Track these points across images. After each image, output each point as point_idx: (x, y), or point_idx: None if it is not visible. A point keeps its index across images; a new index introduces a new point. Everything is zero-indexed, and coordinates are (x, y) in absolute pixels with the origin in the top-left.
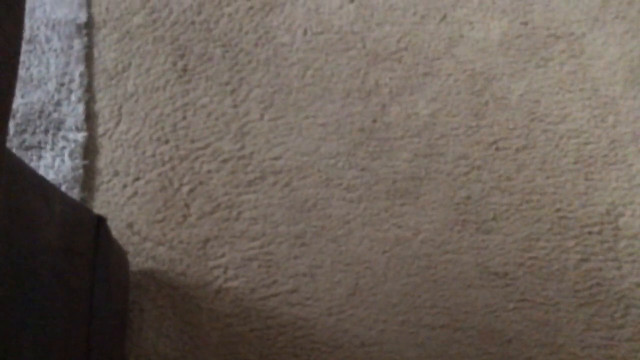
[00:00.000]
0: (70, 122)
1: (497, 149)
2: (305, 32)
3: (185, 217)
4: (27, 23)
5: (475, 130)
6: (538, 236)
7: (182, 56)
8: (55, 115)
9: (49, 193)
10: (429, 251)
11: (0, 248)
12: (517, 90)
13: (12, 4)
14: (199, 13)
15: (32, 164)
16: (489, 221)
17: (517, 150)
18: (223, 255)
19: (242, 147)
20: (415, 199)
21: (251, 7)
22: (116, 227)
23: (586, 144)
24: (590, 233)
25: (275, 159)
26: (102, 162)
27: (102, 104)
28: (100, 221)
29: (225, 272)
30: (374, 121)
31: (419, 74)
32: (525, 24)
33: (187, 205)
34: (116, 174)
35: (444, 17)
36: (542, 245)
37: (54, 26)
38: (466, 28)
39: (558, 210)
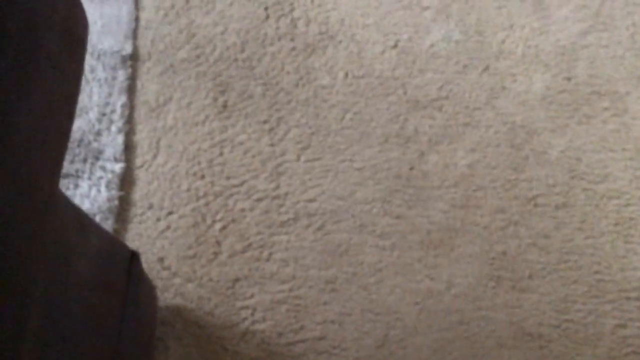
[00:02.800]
0: (109, 152)
1: (535, 205)
2: (346, 75)
3: (216, 254)
4: None
5: (514, 184)
6: (574, 298)
7: (222, 92)
8: (94, 144)
9: (86, 225)
10: (462, 306)
11: (36, 282)
12: (558, 146)
13: (74, 44)
14: (242, 51)
15: (69, 192)
16: (524, 279)
17: (556, 207)
18: (252, 296)
19: (277, 187)
20: (450, 251)
21: (294, 48)
22: (147, 261)
23: (627, 205)
24: (628, 298)
25: (310, 201)
26: (137, 194)
27: (142, 136)
28: (134, 256)
29: (252, 314)
30: (412, 168)
31: (458, 123)
32: (569, 79)
33: (218, 243)
34: (150, 206)
35: (487, 67)
36: (579, 307)
37: (99, 56)
38: (508, 80)
39: (596, 272)
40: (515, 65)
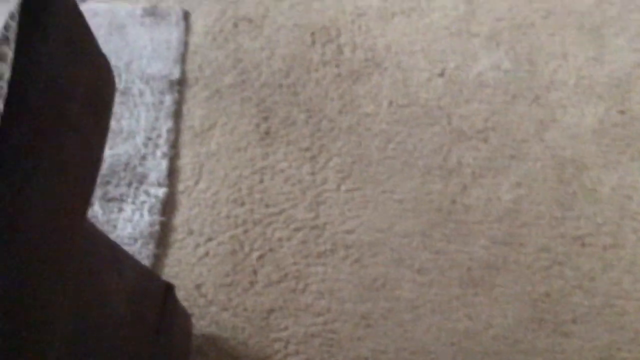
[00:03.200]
0: (153, 177)
1: (582, 244)
2: (390, 104)
3: (252, 283)
4: (123, 76)
5: (560, 221)
6: (619, 345)
7: (266, 119)
8: (139, 169)
9: (121, 262)
10: (501, 348)
11: (70, 322)
12: (609, 183)
13: (99, 108)
14: (287, 76)
15: (112, 216)
16: (567, 323)
17: (604, 248)
18: (286, 328)
19: (316, 217)
20: (490, 290)
21: (339, 75)
22: (185, 287)
23: None
24: None
25: (348, 232)
26: (178, 219)
27: (185, 161)
28: (168, 289)
29: (286, 347)
30: (453, 202)
31: (504, 156)
32: (623, 112)
33: (255, 272)
34: (190, 232)
35: (537, 98)
36: (624, 355)
37: (148, 81)
38: (559, 112)
39: None
40: (567, 97)
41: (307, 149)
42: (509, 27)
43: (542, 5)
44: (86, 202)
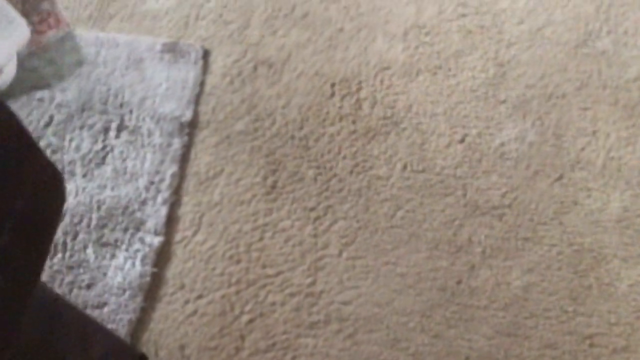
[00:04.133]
0: (150, 224)
1: (591, 344)
2: (404, 167)
3: (237, 350)
4: (135, 113)
5: (571, 316)
6: None
7: (274, 172)
8: (138, 214)
9: (89, 338)
10: None
11: None
12: (627, 279)
13: (38, 240)
14: (301, 128)
15: (104, 262)
16: None
17: (614, 350)
18: None
19: (313, 283)
20: None
21: (354, 131)
22: (168, 347)
23: None
24: None
25: (345, 303)
26: (171, 271)
27: (186, 209)
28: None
29: None
30: (459, 282)
31: (519, 237)
32: None
33: (242, 337)
34: (182, 286)
35: (560, 177)
36: None
37: (158, 120)
38: (582, 194)
39: None
40: (593, 179)
41: (312, 209)
42: (538, 95)
43: (576, 76)
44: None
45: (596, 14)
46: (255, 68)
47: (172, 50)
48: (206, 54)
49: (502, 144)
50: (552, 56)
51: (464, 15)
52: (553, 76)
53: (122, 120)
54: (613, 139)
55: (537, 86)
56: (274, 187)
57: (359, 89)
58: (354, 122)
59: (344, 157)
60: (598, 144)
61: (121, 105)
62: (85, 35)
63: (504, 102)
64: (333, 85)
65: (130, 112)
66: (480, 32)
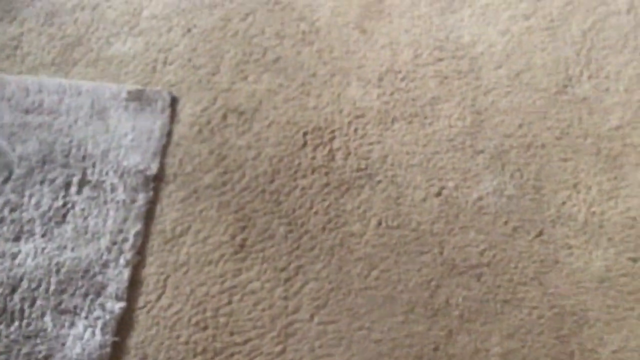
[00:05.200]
0: (112, 288)
1: None
2: (379, 223)
3: None
4: (98, 166)
5: None
6: None
7: (243, 228)
8: (99, 277)
9: None
10: None
11: None
12: (611, 344)
13: None
14: (272, 181)
15: (62, 331)
16: None
17: None
18: None
19: (283, 351)
20: None
21: (327, 184)
22: None
23: None
24: None
25: None
26: (133, 340)
27: (150, 271)
28: None
29: None
30: (436, 349)
31: (498, 299)
32: (634, 260)
33: None
34: (144, 357)
35: (540, 233)
36: None
37: (122, 174)
38: (563, 252)
39: None
40: (574, 235)
41: (282, 269)
42: (517, 145)
43: (556, 124)
44: None
45: (576, 57)
46: (225, 116)
47: (139, 98)
48: (174, 102)
49: (480, 198)
50: (531, 103)
51: (440, 60)
52: (532, 125)
53: (84, 174)
54: (595, 192)
55: (515, 135)
56: (243, 245)
57: (332, 139)
58: (326, 174)
59: (316, 213)
60: (579, 197)
61: (84, 158)
62: (47, 82)
63: (481, 152)
64: (305, 134)
65: (93, 165)
66: (457, 77)
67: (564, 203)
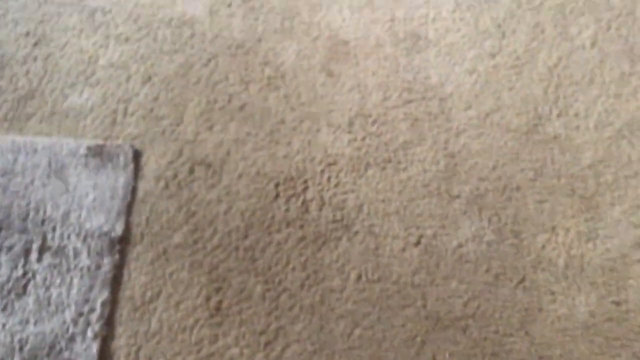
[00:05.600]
0: None
1: None
2: (359, 277)
3: None
4: (58, 230)
5: None
6: None
7: (218, 290)
8: (66, 354)
9: None
10: None
11: None
12: None
13: None
14: (245, 237)
15: None
16: None
17: None
18: None
19: None
20: None
21: (303, 238)
22: None
23: None
24: None
25: None
26: None
27: (120, 343)
28: None
29: None
30: None
31: (485, 352)
32: (618, 304)
33: None
34: None
35: (522, 280)
36: None
37: (85, 238)
38: (546, 299)
39: None
40: (556, 281)
41: (262, 332)
42: (492, 189)
43: (529, 165)
44: None
45: (545, 95)
46: (192, 169)
47: (99, 153)
48: (137, 156)
49: (460, 245)
50: (503, 144)
51: (409, 102)
52: (506, 166)
53: (44, 239)
54: (573, 234)
55: (490, 178)
56: (218, 308)
57: (305, 189)
58: (301, 227)
59: (294, 269)
60: (558, 240)
61: (43, 222)
62: None
63: (457, 197)
64: (277, 185)
65: (54, 229)
66: (428, 119)
67: (543, 247)
